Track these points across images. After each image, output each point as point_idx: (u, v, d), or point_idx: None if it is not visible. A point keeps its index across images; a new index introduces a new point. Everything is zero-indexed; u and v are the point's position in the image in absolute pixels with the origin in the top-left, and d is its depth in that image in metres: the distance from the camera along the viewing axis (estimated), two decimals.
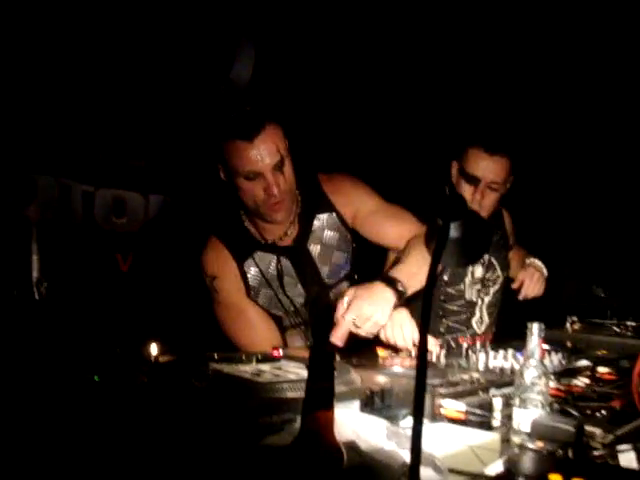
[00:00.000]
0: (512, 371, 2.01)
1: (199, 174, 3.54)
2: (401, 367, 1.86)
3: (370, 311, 2.08)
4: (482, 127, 3.09)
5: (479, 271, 2.96)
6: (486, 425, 1.65)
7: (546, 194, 4.47)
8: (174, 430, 1.23)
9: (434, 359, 2.14)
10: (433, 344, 2.20)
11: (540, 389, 1.62)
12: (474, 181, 2.80)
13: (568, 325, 2.96)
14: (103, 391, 1.41)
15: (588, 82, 4.38)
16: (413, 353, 2.19)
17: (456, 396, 1.67)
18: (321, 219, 2.55)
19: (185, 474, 1.12)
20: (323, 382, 0.97)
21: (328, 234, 2.57)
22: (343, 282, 2.60)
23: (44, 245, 3.17)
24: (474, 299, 2.95)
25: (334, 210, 2.55)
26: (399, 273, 2.20)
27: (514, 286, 2.97)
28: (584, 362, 2.32)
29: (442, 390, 1.67)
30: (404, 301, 2.22)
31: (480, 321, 2.97)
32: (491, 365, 2.12)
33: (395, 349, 2.23)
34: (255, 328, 2.51)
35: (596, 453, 1.47)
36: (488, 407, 1.73)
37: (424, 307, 0.99)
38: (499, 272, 3.03)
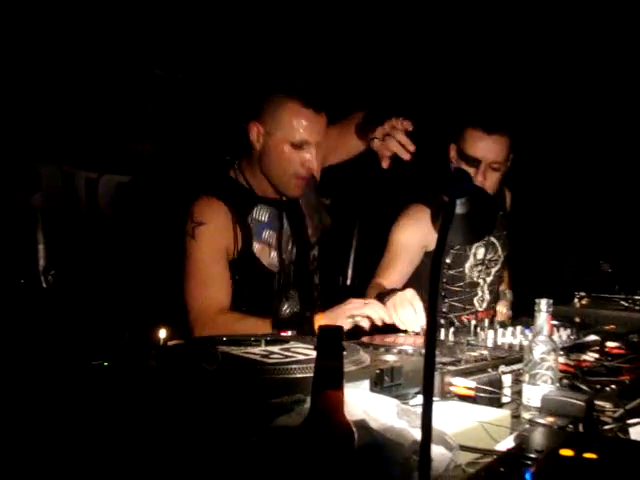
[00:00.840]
0: (521, 347, 2.00)
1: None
2: (411, 345, 1.86)
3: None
4: (478, 107, 3.06)
5: (481, 252, 2.95)
6: (496, 402, 1.65)
7: (549, 170, 4.46)
8: (185, 414, 1.23)
9: (442, 336, 2.14)
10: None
11: (549, 365, 1.62)
12: (475, 162, 2.75)
13: (576, 300, 2.95)
14: (113, 376, 1.41)
15: (585, 60, 4.36)
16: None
17: (465, 373, 1.67)
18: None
19: (196, 458, 1.12)
20: (332, 362, 0.97)
21: (310, 194, 2.64)
22: (316, 246, 2.67)
23: (50, 233, 3.17)
24: (476, 280, 2.94)
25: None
26: None
27: None
28: (593, 337, 2.32)
29: (451, 368, 1.66)
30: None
31: (482, 299, 2.97)
32: (500, 342, 2.11)
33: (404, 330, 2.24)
34: (213, 287, 2.41)
35: (606, 427, 1.47)
36: (498, 384, 1.73)
37: (431, 284, 0.99)
38: (500, 252, 3.02)
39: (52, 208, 3.25)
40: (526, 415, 1.57)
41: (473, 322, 2.24)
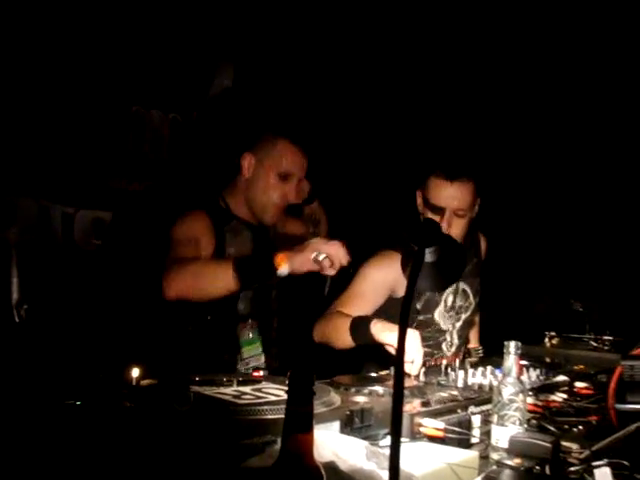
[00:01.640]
0: (491, 387, 2.03)
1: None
2: (381, 386, 1.88)
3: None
4: (441, 154, 3.05)
5: (450, 299, 2.91)
6: (465, 442, 1.67)
7: (520, 209, 4.52)
8: (156, 454, 1.24)
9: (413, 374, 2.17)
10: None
11: (518, 406, 1.65)
12: (439, 211, 2.70)
13: (546, 340, 2.99)
14: (85, 416, 1.41)
15: (547, 97, 4.48)
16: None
17: (435, 414, 1.69)
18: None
19: None
20: (302, 407, 0.99)
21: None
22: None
23: (24, 267, 3.15)
24: (445, 327, 2.93)
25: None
26: None
27: None
28: (562, 377, 2.35)
29: (421, 409, 1.68)
30: None
31: (450, 344, 2.95)
32: (470, 382, 2.14)
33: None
34: (187, 257, 2.54)
35: (572, 469, 1.50)
36: (467, 424, 1.75)
37: (400, 331, 1.01)
38: (471, 299, 2.98)
39: (27, 242, 3.24)
40: (494, 456, 1.60)
41: (444, 362, 2.27)
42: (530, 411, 1.88)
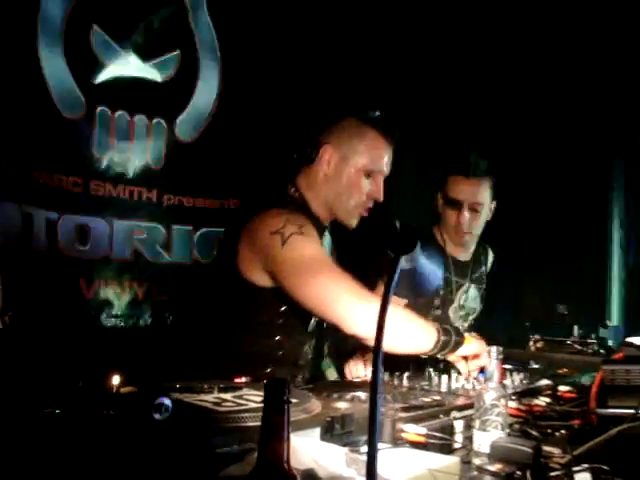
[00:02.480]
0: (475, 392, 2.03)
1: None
2: (364, 392, 1.87)
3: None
4: (460, 156, 3.16)
5: (463, 298, 3.14)
6: (447, 448, 1.67)
7: (504, 212, 4.54)
8: (135, 463, 1.23)
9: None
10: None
11: (500, 411, 1.65)
12: (456, 204, 2.99)
13: (531, 344, 3.00)
14: (64, 424, 1.40)
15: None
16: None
17: (417, 420, 1.69)
18: None
19: None
20: (277, 415, 0.99)
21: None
22: None
23: (7, 274, 3.13)
24: (457, 324, 3.07)
25: None
26: None
27: None
28: (545, 381, 2.36)
29: (403, 414, 1.68)
30: None
31: None
32: (453, 387, 2.14)
33: None
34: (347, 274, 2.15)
35: (553, 474, 1.50)
36: (449, 430, 1.75)
37: (377, 336, 1.01)
38: (478, 303, 3.22)
39: (10, 247, 3.22)
40: (476, 461, 1.59)
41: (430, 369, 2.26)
42: (513, 415, 1.88)
